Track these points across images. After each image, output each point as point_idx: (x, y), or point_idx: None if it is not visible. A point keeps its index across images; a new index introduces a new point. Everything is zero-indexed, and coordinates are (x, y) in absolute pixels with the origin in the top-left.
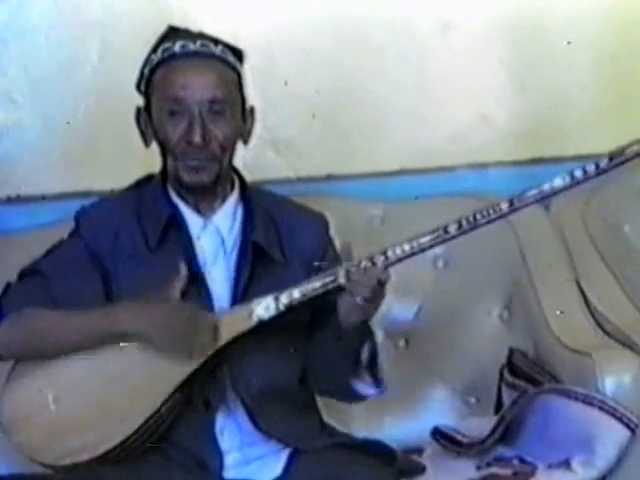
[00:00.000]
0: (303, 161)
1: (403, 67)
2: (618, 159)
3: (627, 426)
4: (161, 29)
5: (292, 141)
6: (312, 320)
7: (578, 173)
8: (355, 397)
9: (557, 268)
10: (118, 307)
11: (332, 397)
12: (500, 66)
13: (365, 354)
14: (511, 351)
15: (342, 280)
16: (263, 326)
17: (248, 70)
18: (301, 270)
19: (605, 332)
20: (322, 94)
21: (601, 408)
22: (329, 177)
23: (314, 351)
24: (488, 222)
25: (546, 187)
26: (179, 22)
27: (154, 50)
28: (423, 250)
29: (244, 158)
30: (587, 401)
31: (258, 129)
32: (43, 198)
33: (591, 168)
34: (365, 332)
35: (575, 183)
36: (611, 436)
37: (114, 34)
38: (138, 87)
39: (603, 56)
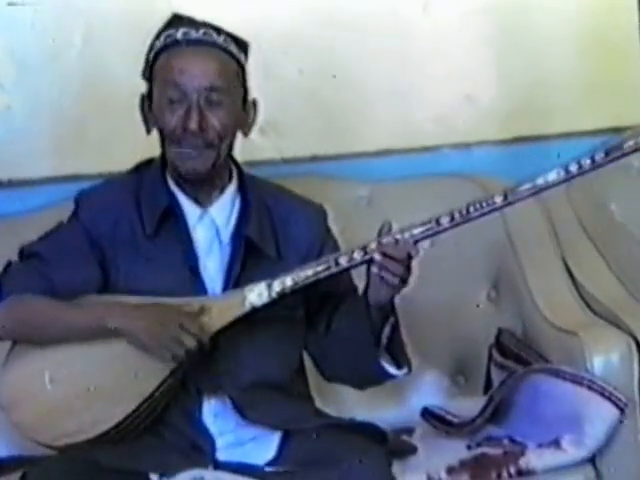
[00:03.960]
0: (288, 142)
1: (387, 48)
2: (615, 154)
3: (616, 405)
4: (145, 14)
5: (277, 123)
6: (316, 311)
7: (573, 167)
8: (371, 381)
9: (544, 247)
10: (110, 304)
11: (346, 383)
12: (484, 46)
13: (385, 335)
14: (500, 331)
15: (371, 256)
16: (255, 318)
17: None
18: (296, 263)
19: (593, 311)
20: (306, 75)
21: (590, 387)
22: (314, 158)
23: (331, 337)
24: (481, 215)
25: (540, 181)
26: (162, 7)
27: (157, 37)
28: (416, 242)
29: None
30: (576, 380)
31: None
32: (33, 182)
33: (586, 162)
34: (389, 313)
35: (570, 177)
36: (600, 415)
37: (99, 19)
38: (144, 74)
39: (586, 36)
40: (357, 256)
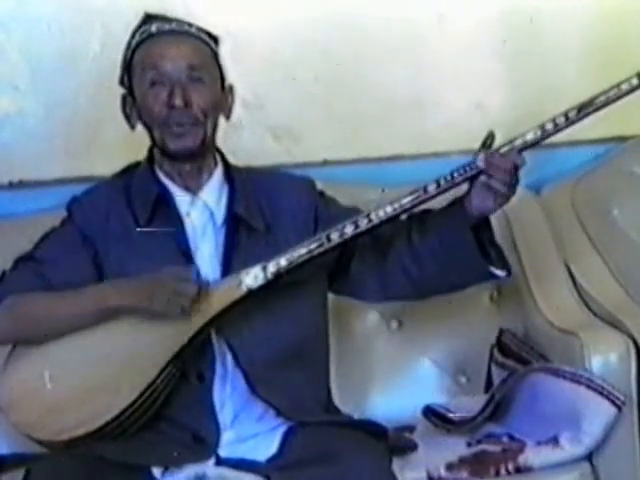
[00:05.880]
0: (300, 147)
1: (399, 55)
2: (586, 110)
3: (613, 403)
4: None
5: (289, 127)
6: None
7: (549, 126)
8: (462, 285)
9: (546, 250)
10: (105, 285)
11: (405, 297)
12: (494, 55)
13: (487, 244)
14: (501, 331)
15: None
16: (257, 295)
17: (247, 58)
18: (293, 234)
19: (592, 312)
20: (320, 81)
21: (588, 386)
22: (325, 163)
23: (406, 256)
24: (465, 180)
25: (518, 142)
26: (181, 11)
27: (132, 36)
28: (405, 211)
29: (243, 144)
30: (575, 379)
31: (257, 116)
32: (44, 184)
33: (561, 120)
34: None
35: (546, 136)
36: (598, 413)
37: (116, 22)
38: (121, 81)
39: (594, 45)
40: (348, 231)
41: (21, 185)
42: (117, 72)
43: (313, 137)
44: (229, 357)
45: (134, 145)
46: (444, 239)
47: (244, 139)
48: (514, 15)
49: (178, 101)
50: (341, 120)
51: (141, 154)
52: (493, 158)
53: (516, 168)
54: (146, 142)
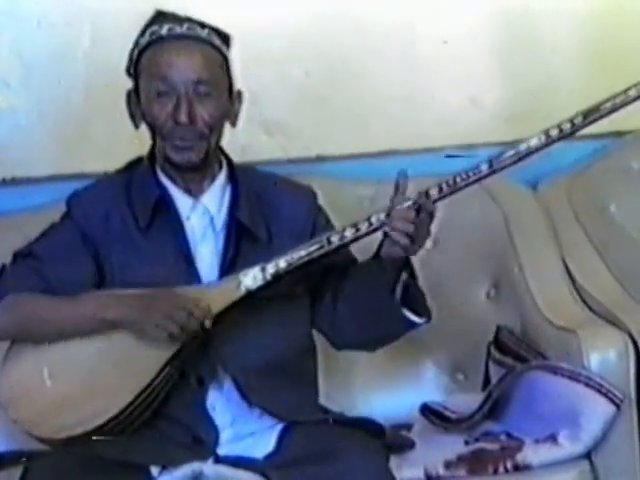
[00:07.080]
0: (293, 142)
1: (393, 50)
2: (592, 116)
3: (612, 401)
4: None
5: (283, 123)
6: (319, 284)
7: (554, 132)
8: (389, 336)
9: (543, 247)
10: (105, 299)
11: (359, 347)
12: (489, 50)
13: (398, 290)
14: (498, 328)
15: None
16: (254, 299)
17: (240, 54)
18: (290, 243)
19: (590, 309)
20: (312, 77)
21: (587, 384)
22: (319, 158)
23: (342, 305)
24: (467, 185)
25: (522, 147)
26: (171, 8)
27: (142, 34)
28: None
29: (237, 140)
30: (573, 377)
31: (250, 112)
32: (37, 180)
33: (566, 126)
34: (401, 267)
35: (551, 142)
36: (597, 411)
37: (105, 19)
38: (128, 71)
39: (589, 41)
40: (348, 234)
41: (13, 182)
42: (108, 69)
43: (306, 133)
44: (219, 365)
45: (125, 142)
46: (360, 292)
47: (238, 135)
48: (509, 9)
49: (183, 117)
50: (334, 115)
51: (132, 151)
52: (396, 212)
53: (430, 216)
54: (139, 138)
